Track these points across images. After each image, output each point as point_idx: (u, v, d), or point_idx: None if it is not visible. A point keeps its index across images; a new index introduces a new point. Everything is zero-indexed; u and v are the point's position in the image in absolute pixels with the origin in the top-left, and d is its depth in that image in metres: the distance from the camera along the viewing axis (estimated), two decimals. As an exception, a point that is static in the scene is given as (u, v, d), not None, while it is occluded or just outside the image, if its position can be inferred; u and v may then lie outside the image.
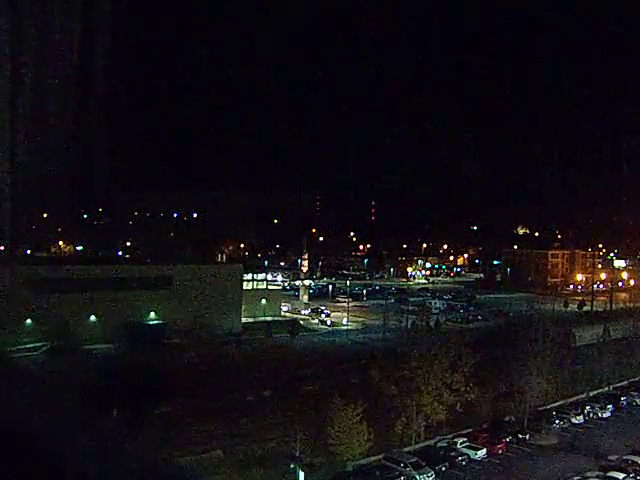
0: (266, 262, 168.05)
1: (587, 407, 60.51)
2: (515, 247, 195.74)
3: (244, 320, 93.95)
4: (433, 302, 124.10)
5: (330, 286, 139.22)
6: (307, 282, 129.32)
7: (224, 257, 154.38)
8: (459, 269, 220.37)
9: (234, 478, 42.28)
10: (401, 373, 49.90)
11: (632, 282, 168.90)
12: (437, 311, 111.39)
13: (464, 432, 52.07)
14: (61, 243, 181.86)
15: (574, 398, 63.63)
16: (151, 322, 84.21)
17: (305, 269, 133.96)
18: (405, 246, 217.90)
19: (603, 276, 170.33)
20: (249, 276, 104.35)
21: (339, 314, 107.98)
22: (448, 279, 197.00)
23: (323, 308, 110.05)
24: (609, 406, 61.41)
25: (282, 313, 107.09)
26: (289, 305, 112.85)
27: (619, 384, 69.60)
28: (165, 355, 69.03)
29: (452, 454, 48.00)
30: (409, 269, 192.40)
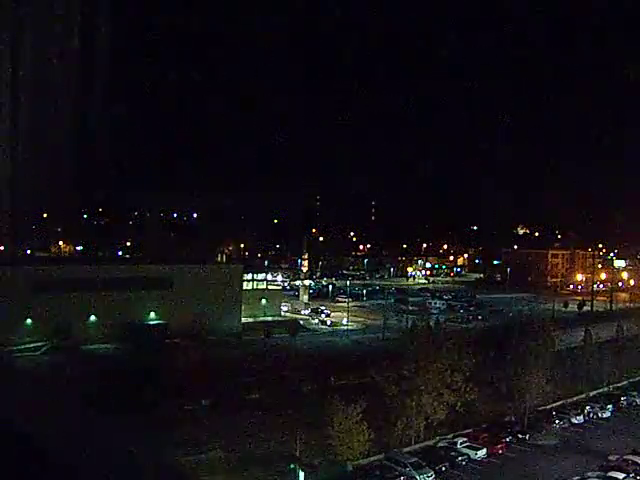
0: (266, 262, 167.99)
1: (587, 407, 60.50)
2: (515, 247, 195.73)
3: (244, 320, 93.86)
4: (433, 302, 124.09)
5: (330, 286, 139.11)
6: (307, 282, 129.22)
7: (224, 257, 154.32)
8: (459, 269, 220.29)
9: (234, 478, 42.26)
10: (396, 374, 49.62)
11: (632, 282, 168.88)
12: (437, 311, 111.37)
13: (464, 432, 52.08)
14: (61, 243, 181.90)
15: (574, 398, 63.59)
16: (151, 322, 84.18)
17: (305, 269, 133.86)
18: (405, 246, 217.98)
19: (603, 276, 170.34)
20: (249, 276, 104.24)
21: (339, 314, 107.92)
22: (448, 279, 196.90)
23: (323, 308, 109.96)
24: (609, 406, 61.41)
25: (282, 313, 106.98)
26: (289, 305, 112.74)
27: (619, 384, 69.57)
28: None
29: (452, 454, 48.01)
30: (409, 269, 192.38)
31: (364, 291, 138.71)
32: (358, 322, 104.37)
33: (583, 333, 74.43)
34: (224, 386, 57.48)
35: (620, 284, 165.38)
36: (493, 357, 62.05)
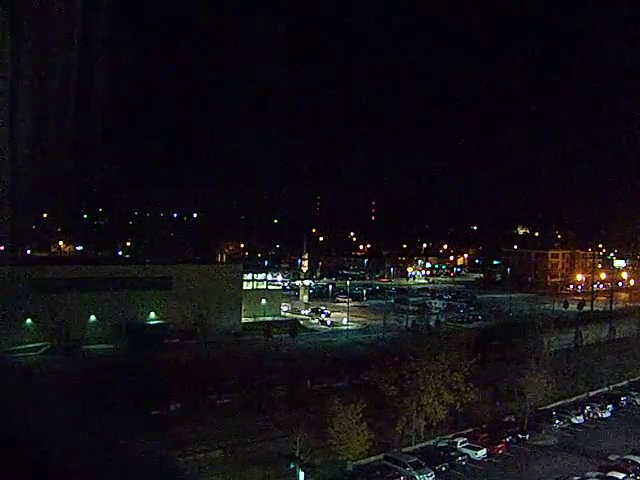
0: (266, 262, 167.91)
1: (587, 407, 60.46)
2: (515, 247, 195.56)
3: (244, 320, 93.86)
4: (433, 302, 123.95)
5: (330, 286, 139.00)
6: (307, 282, 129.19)
7: (224, 257, 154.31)
8: (459, 269, 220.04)
9: (234, 478, 42.23)
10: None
11: (632, 282, 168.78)
12: (437, 311, 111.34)
13: (464, 432, 52.07)
14: (61, 243, 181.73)
15: (574, 398, 63.57)
16: (151, 322, 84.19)
17: (305, 269, 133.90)
18: (405, 246, 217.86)
19: (603, 276, 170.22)
20: (249, 276, 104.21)
21: (339, 314, 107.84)
22: (448, 279, 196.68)
23: (323, 308, 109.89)
24: (609, 406, 61.35)
25: (282, 313, 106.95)
26: (289, 305, 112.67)
27: (619, 384, 69.57)
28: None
29: (452, 454, 47.97)
30: (409, 269, 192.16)
31: (364, 291, 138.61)
32: (358, 322, 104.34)
33: (582, 333, 74.51)
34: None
35: (620, 284, 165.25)
36: (493, 357, 62.15)
